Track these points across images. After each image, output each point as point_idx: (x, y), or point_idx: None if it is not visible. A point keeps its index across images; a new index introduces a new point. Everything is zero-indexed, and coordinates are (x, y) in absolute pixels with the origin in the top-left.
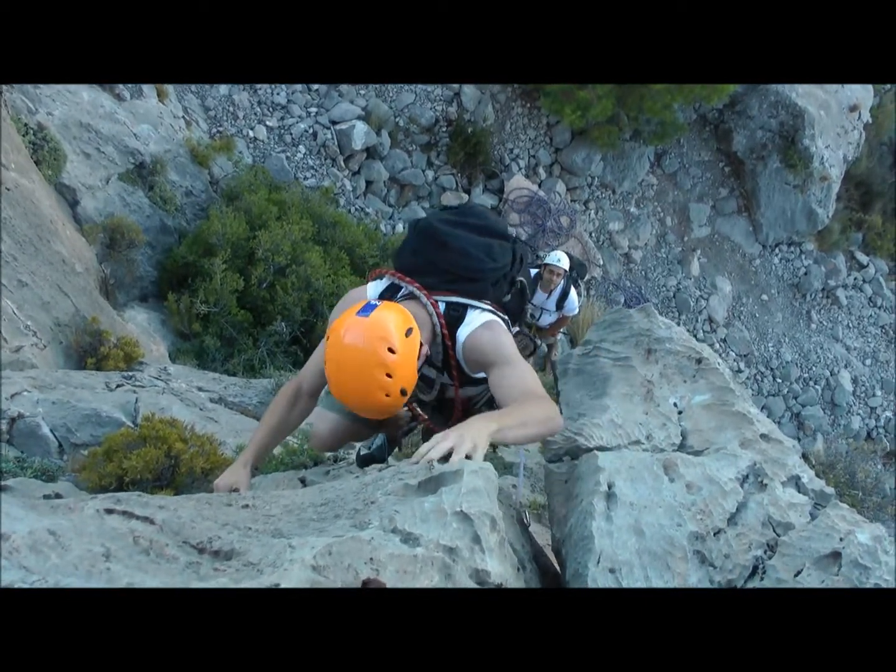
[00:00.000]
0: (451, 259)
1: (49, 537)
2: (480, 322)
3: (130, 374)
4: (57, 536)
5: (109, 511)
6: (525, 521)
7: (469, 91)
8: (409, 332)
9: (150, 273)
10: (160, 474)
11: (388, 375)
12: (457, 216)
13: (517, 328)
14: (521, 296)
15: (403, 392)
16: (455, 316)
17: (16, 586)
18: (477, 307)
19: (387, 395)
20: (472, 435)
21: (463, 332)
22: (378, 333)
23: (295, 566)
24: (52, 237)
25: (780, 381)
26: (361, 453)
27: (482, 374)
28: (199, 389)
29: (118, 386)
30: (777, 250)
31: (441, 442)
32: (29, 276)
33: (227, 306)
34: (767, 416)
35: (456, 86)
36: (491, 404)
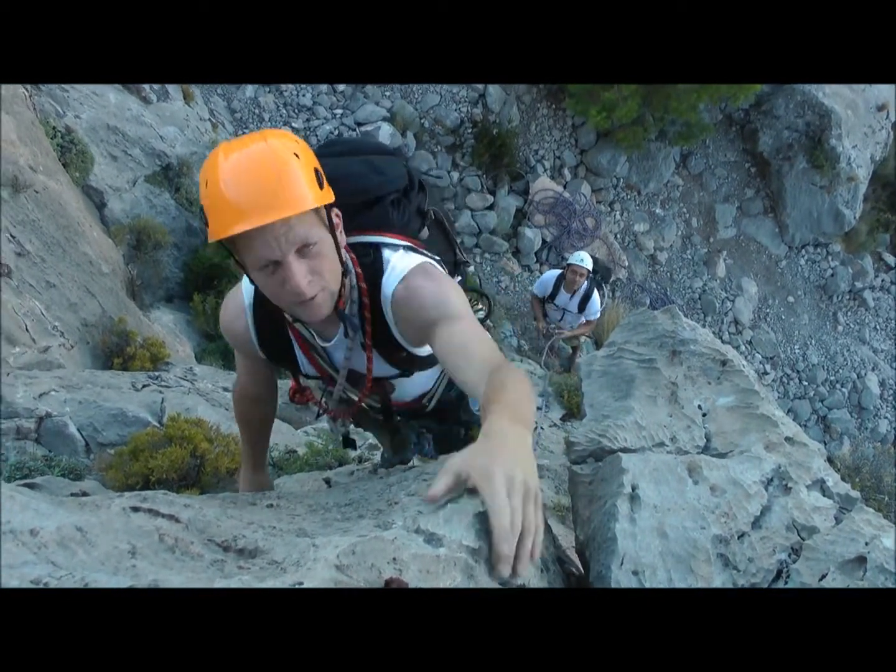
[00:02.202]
0: None
1: (76, 533)
2: (410, 266)
3: (156, 374)
4: (84, 533)
5: (135, 509)
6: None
7: (494, 92)
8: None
9: (175, 274)
10: (186, 474)
11: (297, 147)
12: (320, 148)
13: (458, 279)
14: (443, 231)
15: (318, 175)
16: (369, 264)
17: (44, 581)
18: (393, 245)
19: (296, 155)
20: (524, 471)
21: (388, 286)
22: (281, 139)
23: (318, 565)
24: (80, 239)
25: (806, 383)
26: (386, 455)
27: (425, 351)
28: (225, 389)
29: (144, 386)
30: (803, 252)
31: (495, 497)
32: (56, 278)
33: None
34: (793, 420)
35: (481, 87)
36: (449, 398)
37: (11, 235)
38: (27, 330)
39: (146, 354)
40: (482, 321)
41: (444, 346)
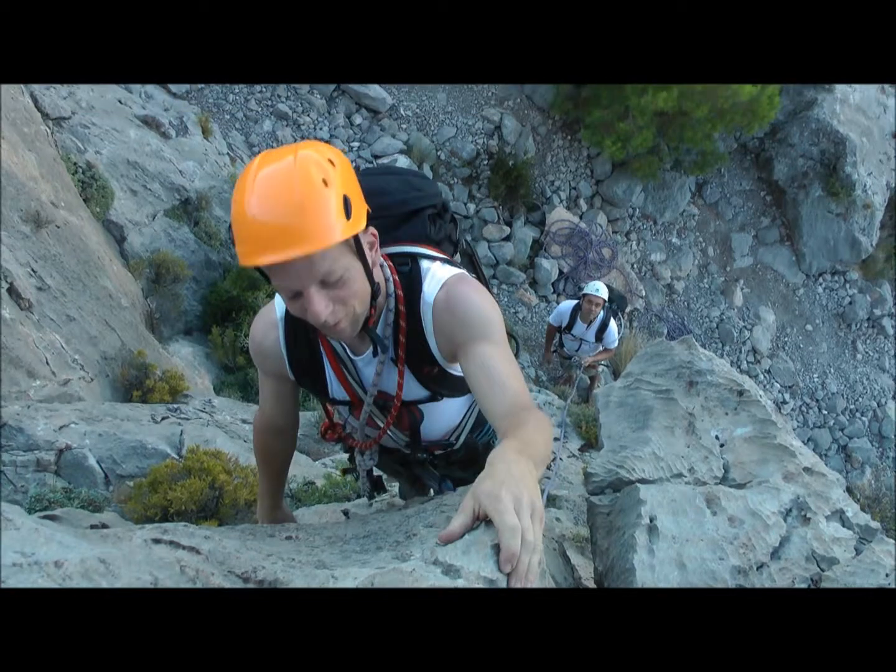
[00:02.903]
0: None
1: (100, 565)
2: (449, 274)
3: (175, 406)
4: (107, 565)
5: (157, 541)
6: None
7: (510, 124)
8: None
9: (194, 307)
10: (204, 505)
11: (328, 169)
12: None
13: None
14: (473, 263)
15: (347, 203)
16: (406, 273)
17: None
18: (431, 256)
19: (324, 182)
20: (529, 493)
21: (431, 291)
22: (312, 159)
23: None
24: (100, 273)
25: (825, 412)
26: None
27: (457, 370)
28: (244, 422)
29: (163, 418)
30: (821, 280)
31: (504, 515)
32: (77, 311)
33: None
34: (813, 449)
35: (497, 119)
36: (474, 442)
37: (33, 270)
38: (47, 363)
39: (165, 387)
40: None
41: (477, 367)
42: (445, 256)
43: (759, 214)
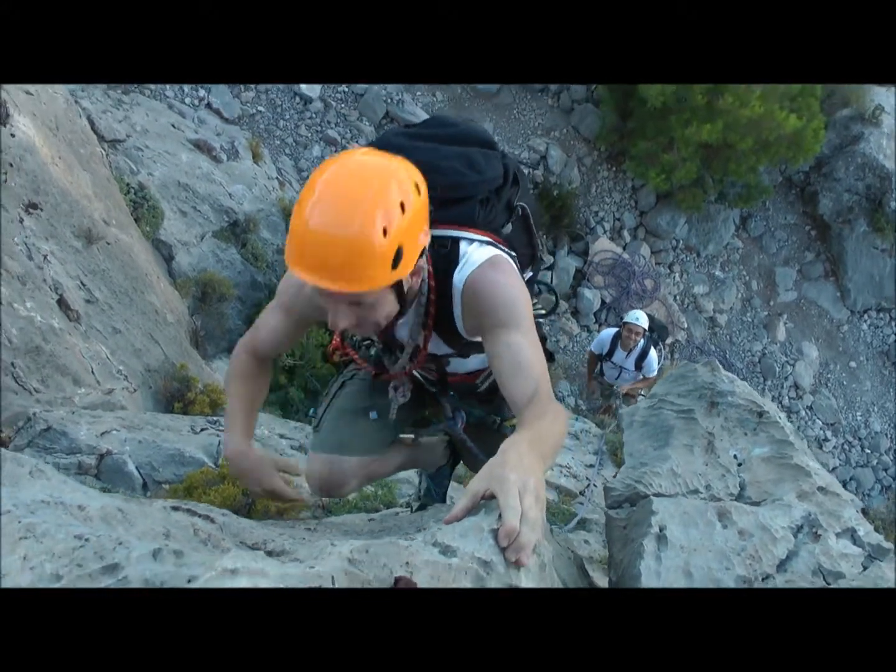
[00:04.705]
0: None
1: (118, 513)
2: (483, 258)
3: (215, 419)
4: (125, 514)
5: (175, 508)
6: None
7: (555, 154)
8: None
9: (239, 326)
10: (236, 511)
11: (394, 217)
12: (421, 128)
13: (530, 273)
14: (527, 226)
15: (399, 254)
16: (443, 255)
17: (85, 537)
18: (471, 239)
19: (384, 232)
20: (535, 481)
21: (461, 275)
22: (381, 201)
23: (332, 557)
24: (147, 289)
25: (868, 451)
26: (414, 508)
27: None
28: (281, 436)
29: (202, 429)
30: (865, 316)
31: (508, 496)
32: (123, 324)
33: (311, 359)
34: (856, 488)
35: (543, 149)
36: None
37: (82, 283)
38: (93, 372)
39: (206, 400)
40: (545, 315)
41: (499, 352)
42: (487, 238)
43: (804, 249)
